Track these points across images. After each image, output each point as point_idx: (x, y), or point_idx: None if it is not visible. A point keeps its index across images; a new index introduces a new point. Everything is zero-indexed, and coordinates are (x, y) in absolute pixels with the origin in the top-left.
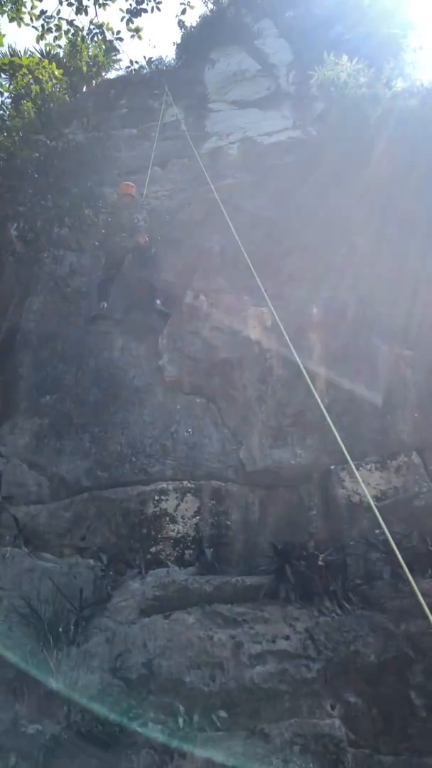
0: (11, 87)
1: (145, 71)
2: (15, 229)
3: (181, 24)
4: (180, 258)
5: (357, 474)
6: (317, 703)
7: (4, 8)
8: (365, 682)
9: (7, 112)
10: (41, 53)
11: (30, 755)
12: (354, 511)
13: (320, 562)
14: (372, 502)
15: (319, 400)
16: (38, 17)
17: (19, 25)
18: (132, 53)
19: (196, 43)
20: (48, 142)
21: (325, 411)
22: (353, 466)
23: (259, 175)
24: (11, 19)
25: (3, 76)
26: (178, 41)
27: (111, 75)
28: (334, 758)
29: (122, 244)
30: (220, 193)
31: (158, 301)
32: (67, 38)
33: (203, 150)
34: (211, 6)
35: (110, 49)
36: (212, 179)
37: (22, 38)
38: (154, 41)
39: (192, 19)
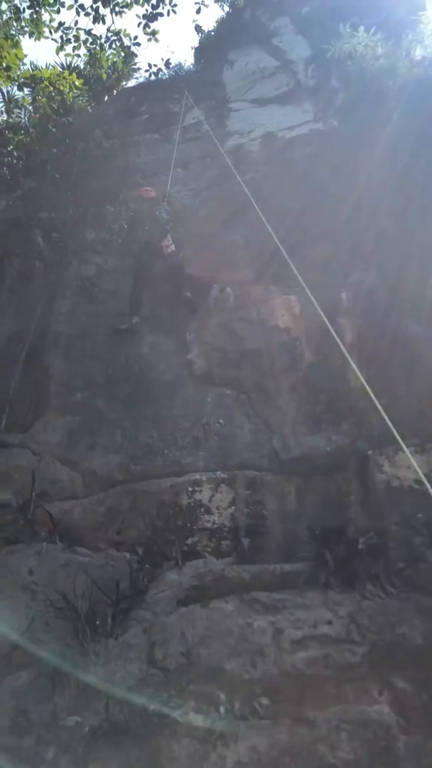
0: (33, 100)
1: (164, 77)
2: (40, 234)
3: (198, 28)
4: (205, 253)
5: (410, 458)
6: (363, 689)
7: (23, 24)
8: (413, 665)
9: (24, 113)
10: (62, 66)
11: (70, 748)
12: (394, 496)
13: (361, 546)
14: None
15: (363, 381)
16: (57, 29)
17: (39, 39)
18: (151, 58)
19: (214, 45)
20: (66, 141)
21: (369, 390)
22: (406, 450)
23: (282, 168)
24: (31, 34)
25: (26, 91)
26: (196, 45)
27: (131, 83)
28: (384, 745)
29: (149, 248)
30: (242, 187)
31: (187, 293)
32: (86, 47)
33: (225, 148)
34: (227, 8)
35: (128, 55)
36: (235, 175)
37: (43, 53)
38: (173, 47)
39: (209, 22)
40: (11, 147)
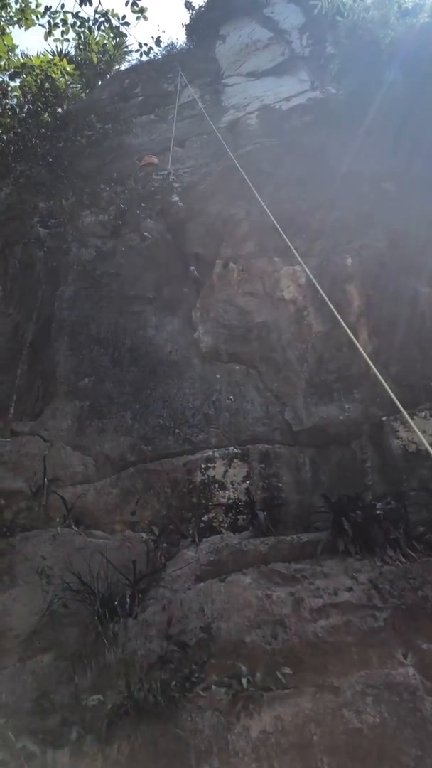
0: (24, 87)
1: (156, 57)
2: (39, 222)
3: (188, 5)
4: (206, 229)
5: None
6: (388, 653)
7: (11, 14)
8: None
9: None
10: (52, 53)
11: (93, 727)
12: (412, 461)
13: (378, 512)
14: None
15: (363, 353)
16: (43, 14)
17: (27, 28)
18: (141, 38)
19: (205, 21)
20: (57, 122)
21: (369, 361)
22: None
23: (281, 138)
24: (18, 23)
25: (17, 81)
26: (187, 22)
27: (123, 66)
28: (411, 707)
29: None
30: (241, 160)
31: (192, 268)
32: (75, 31)
33: (222, 124)
34: None
35: (118, 35)
36: (233, 149)
37: (33, 43)
38: (163, 26)
39: None
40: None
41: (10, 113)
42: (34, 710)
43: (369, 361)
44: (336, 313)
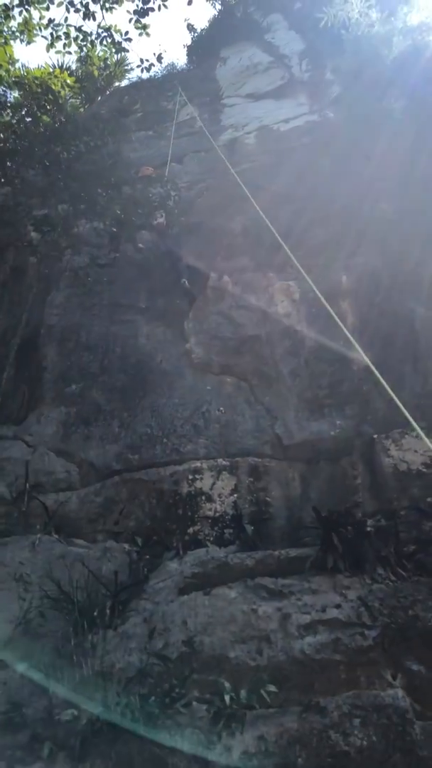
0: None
1: (157, 75)
2: (32, 225)
3: (190, 27)
4: (202, 242)
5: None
6: (376, 673)
7: (11, 23)
8: (428, 647)
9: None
10: (53, 66)
11: (66, 744)
12: (402, 480)
13: (369, 528)
14: None
15: (369, 362)
16: (46, 26)
17: (30, 42)
18: (143, 55)
19: (207, 43)
20: (56, 125)
21: (376, 371)
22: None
23: (278, 157)
24: (21, 32)
25: (17, 93)
26: (189, 44)
27: (124, 83)
28: (400, 730)
29: (141, 225)
30: (238, 177)
31: (184, 280)
32: (77, 44)
33: (220, 142)
34: (219, 7)
35: (120, 51)
36: (231, 166)
37: (34, 56)
38: (165, 46)
39: (201, 21)
40: None
41: (10, 112)
42: (3, 724)
43: (379, 377)
44: (341, 324)
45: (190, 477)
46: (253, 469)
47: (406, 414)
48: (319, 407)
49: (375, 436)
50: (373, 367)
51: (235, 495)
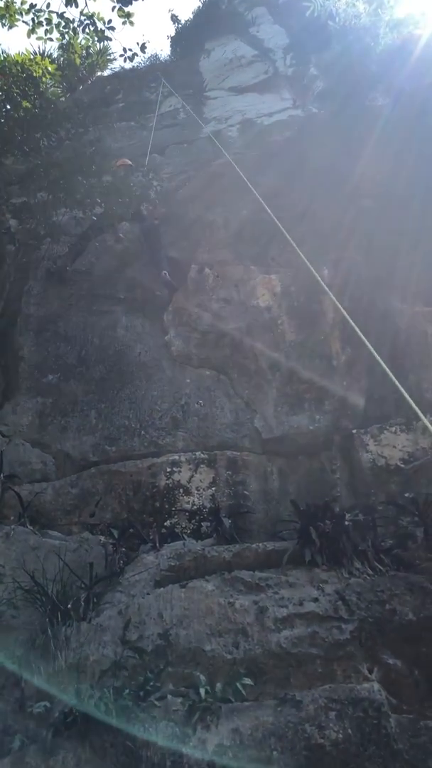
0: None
1: (140, 65)
2: (10, 212)
3: (174, 18)
4: (183, 233)
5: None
6: (353, 667)
7: None
8: (404, 641)
9: None
10: (34, 53)
11: (37, 736)
12: (381, 475)
13: (347, 522)
14: None
15: (372, 350)
16: (28, 11)
17: (11, 26)
18: (125, 44)
19: (191, 35)
20: (35, 110)
21: (377, 355)
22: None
23: (261, 150)
24: (2, 16)
25: None
26: (172, 35)
27: (106, 73)
28: (375, 723)
29: (122, 215)
30: (221, 169)
31: (164, 272)
32: (59, 31)
33: (202, 134)
34: None
35: (102, 39)
36: (213, 158)
37: (14, 43)
38: (148, 36)
39: (185, 13)
40: None
41: None
42: None
43: (386, 369)
44: (346, 315)
45: (168, 469)
46: (232, 462)
47: (411, 402)
48: (299, 401)
49: (354, 431)
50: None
51: (213, 488)
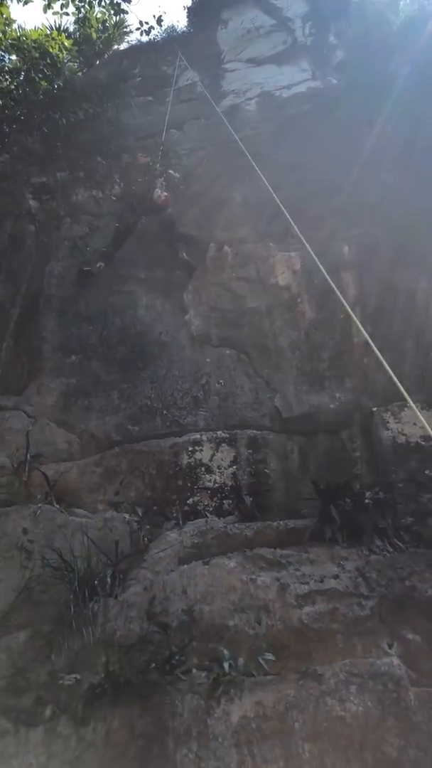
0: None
1: (156, 38)
2: (30, 193)
3: None
4: (201, 211)
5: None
6: (373, 642)
7: None
8: (424, 617)
9: (7, 58)
10: (50, 28)
11: (68, 707)
12: (401, 452)
13: (367, 501)
14: None
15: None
16: None
17: (27, 0)
18: (142, 17)
19: (207, 4)
20: (54, 90)
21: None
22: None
23: (280, 124)
24: None
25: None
26: (189, 5)
27: (123, 46)
28: (395, 696)
29: (141, 200)
30: (239, 144)
31: (183, 253)
32: (74, 5)
33: (220, 108)
34: None
35: (118, 12)
36: (231, 133)
37: (30, 18)
38: (164, 8)
39: None
40: None
41: (8, 77)
42: (8, 688)
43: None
44: (344, 304)
45: (190, 449)
46: (252, 441)
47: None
48: (319, 380)
49: (374, 408)
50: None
51: (234, 467)
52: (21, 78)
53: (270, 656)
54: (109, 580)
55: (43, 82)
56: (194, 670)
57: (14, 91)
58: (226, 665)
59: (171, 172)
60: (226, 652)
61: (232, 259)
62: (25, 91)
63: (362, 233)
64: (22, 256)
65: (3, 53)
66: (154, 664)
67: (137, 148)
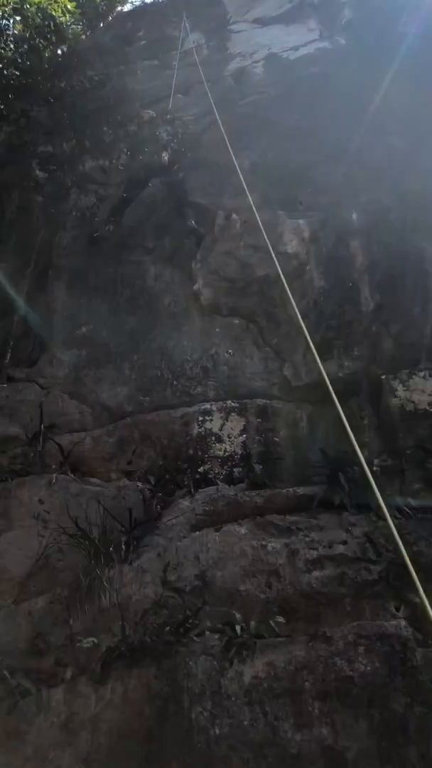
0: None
1: None
2: (37, 164)
3: None
4: (209, 178)
5: None
6: (380, 605)
7: None
8: (431, 581)
9: (11, 23)
10: None
11: (87, 668)
12: (409, 420)
13: (375, 468)
14: None
15: None
16: None
17: None
18: None
19: None
20: (59, 59)
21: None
22: None
23: (287, 88)
24: None
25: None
26: None
27: (126, 7)
28: (402, 657)
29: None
30: (246, 109)
31: (191, 221)
32: None
33: (227, 72)
34: None
35: None
36: (238, 98)
37: None
38: None
39: None
40: (0, 65)
41: (12, 45)
42: (28, 650)
43: None
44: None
45: (200, 418)
46: (262, 410)
47: None
48: (328, 348)
49: (383, 376)
50: None
51: (244, 435)
52: (26, 47)
53: (280, 619)
54: (123, 547)
55: (48, 49)
56: (207, 633)
57: (19, 61)
58: (238, 628)
59: (177, 141)
60: (238, 615)
61: (240, 227)
62: (30, 60)
63: (370, 200)
64: (31, 227)
65: (6, 21)
66: (168, 628)
67: (144, 115)
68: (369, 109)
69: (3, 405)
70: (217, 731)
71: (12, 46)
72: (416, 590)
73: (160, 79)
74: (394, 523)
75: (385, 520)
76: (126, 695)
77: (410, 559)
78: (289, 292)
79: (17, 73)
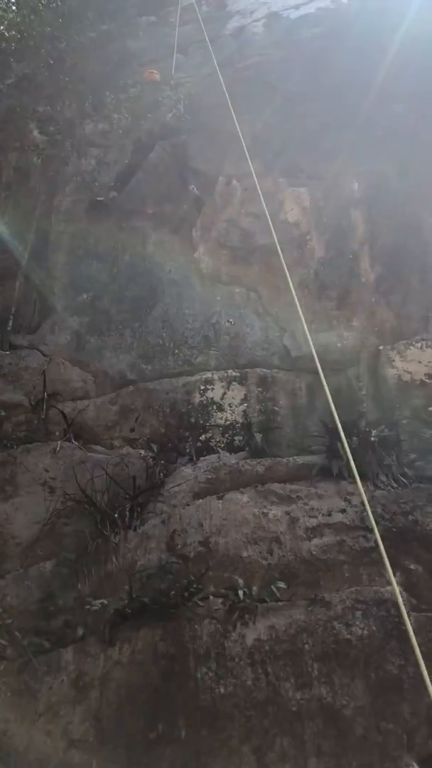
0: None
1: None
2: (37, 126)
3: None
4: (209, 144)
5: None
6: (377, 572)
7: None
8: (425, 549)
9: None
10: None
11: (96, 629)
12: (405, 390)
13: (373, 438)
14: None
15: None
16: None
17: None
18: None
19: None
20: (60, 20)
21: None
22: None
23: (289, 50)
24: None
25: None
26: None
27: None
28: (397, 621)
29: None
30: (247, 72)
31: (192, 187)
32: None
33: (226, 31)
34: None
35: None
36: (238, 59)
37: None
38: None
39: None
40: (2, 27)
41: (14, 8)
42: (39, 612)
43: None
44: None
45: (202, 387)
46: (262, 379)
47: None
48: (327, 319)
49: (381, 347)
50: None
51: (245, 404)
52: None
53: (281, 584)
54: (128, 513)
55: (47, 11)
56: (211, 597)
57: (21, 23)
58: (240, 593)
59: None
60: (240, 580)
61: (241, 194)
62: (29, 19)
63: (372, 169)
64: (29, 190)
65: None
66: (173, 592)
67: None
68: (372, 75)
69: (6, 372)
70: (222, 690)
71: (14, 7)
72: (412, 557)
73: (158, 37)
74: (390, 493)
75: (382, 489)
76: (133, 656)
77: (405, 528)
78: (283, 263)
79: (18, 35)
